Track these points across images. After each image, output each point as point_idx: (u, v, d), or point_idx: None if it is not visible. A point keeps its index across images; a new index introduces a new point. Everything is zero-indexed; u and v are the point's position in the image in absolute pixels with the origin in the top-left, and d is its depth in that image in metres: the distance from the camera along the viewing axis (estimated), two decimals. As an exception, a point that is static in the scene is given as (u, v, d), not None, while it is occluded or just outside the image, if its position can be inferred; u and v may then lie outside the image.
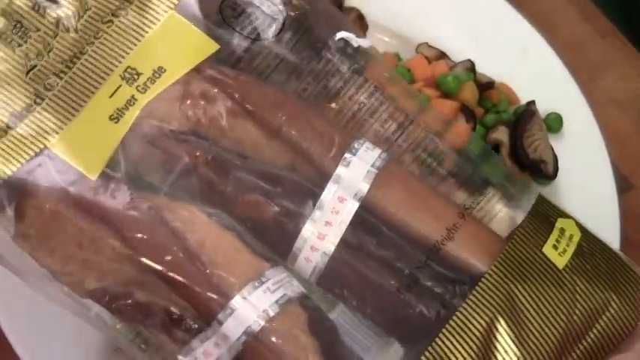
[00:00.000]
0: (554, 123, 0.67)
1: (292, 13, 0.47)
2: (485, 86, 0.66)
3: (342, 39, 0.47)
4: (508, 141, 0.64)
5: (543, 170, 0.64)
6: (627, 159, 0.69)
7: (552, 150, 0.65)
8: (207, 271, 0.42)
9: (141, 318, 0.43)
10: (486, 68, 0.67)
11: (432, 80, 0.65)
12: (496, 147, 0.64)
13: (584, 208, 0.63)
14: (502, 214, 0.47)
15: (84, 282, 0.43)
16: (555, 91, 0.68)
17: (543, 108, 0.66)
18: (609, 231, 0.61)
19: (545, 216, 0.45)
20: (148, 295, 0.42)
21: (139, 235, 0.42)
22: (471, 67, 0.66)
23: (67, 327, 0.53)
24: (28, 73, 0.43)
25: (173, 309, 0.42)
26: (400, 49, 0.68)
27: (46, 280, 0.43)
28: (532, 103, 0.66)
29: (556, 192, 0.65)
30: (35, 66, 0.43)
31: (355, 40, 0.47)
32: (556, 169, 0.64)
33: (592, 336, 0.42)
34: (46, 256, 0.43)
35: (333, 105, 0.47)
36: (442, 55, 0.68)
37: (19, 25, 0.43)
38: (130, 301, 0.43)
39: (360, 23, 0.67)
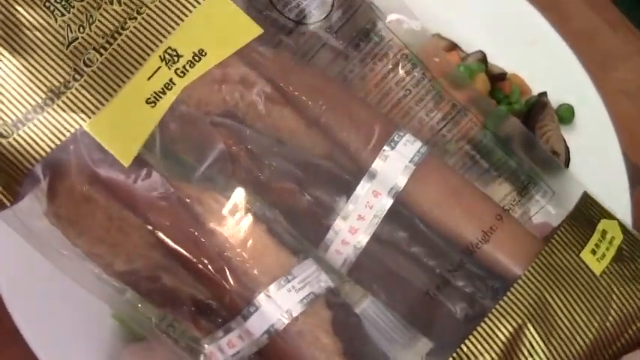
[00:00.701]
0: (566, 114, 0.66)
1: None
2: (497, 77, 0.66)
3: (392, 21, 0.46)
4: (520, 132, 0.63)
5: (555, 161, 0.64)
6: (638, 151, 0.68)
7: (564, 141, 0.65)
8: (234, 266, 0.41)
9: (168, 303, 0.42)
10: (498, 59, 0.67)
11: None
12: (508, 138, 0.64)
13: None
14: (544, 211, 0.46)
15: (113, 264, 0.42)
16: (567, 83, 0.67)
17: (555, 99, 0.66)
18: (621, 222, 0.61)
19: (588, 217, 0.45)
20: (175, 281, 0.42)
21: (167, 224, 0.41)
22: (482, 58, 0.66)
23: (80, 320, 0.53)
24: (69, 45, 0.41)
25: (200, 297, 0.42)
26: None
27: (78, 260, 0.43)
28: (544, 94, 0.66)
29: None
30: (77, 38, 0.41)
31: (407, 23, 0.46)
32: (568, 160, 0.64)
33: (623, 341, 0.41)
34: (76, 237, 0.42)
35: (379, 89, 0.46)
36: (454, 46, 0.67)
37: None
38: (158, 285, 0.42)
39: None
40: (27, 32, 0.41)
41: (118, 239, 0.42)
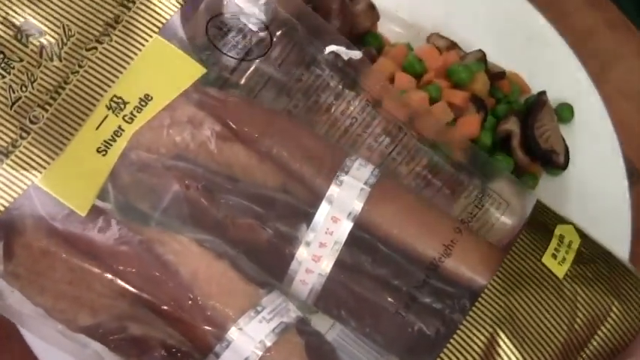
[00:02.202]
0: (565, 113, 0.66)
1: (280, 30, 0.45)
2: (497, 76, 0.66)
3: (332, 52, 0.46)
4: (519, 131, 0.63)
5: (554, 160, 0.63)
6: (638, 150, 0.68)
7: (563, 140, 0.64)
8: (201, 303, 0.41)
9: (137, 352, 0.42)
10: (497, 58, 0.67)
11: (443, 70, 0.64)
12: (507, 137, 0.64)
13: (594, 198, 0.63)
14: (500, 222, 0.46)
15: (77, 318, 0.42)
16: (566, 82, 0.67)
17: (554, 98, 0.65)
18: (620, 222, 0.61)
19: (544, 224, 0.45)
20: (142, 328, 0.42)
21: (130, 270, 0.41)
22: (482, 57, 0.66)
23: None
24: (12, 106, 0.41)
25: (169, 342, 0.41)
26: (411, 39, 0.67)
27: (41, 319, 0.42)
28: (543, 93, 0.65)
29: (567, 182, 0.64)
30: (20, 98, 0.41)
31: (345, 53, 0.46)
32: (567, 159, 0.64)
33: (595, 343, 0.41)
34: (36, 295, 0.42)
35: (325, 120, 0.46)
36: (453, 45, 0.67)
37: (1, 56, 0.42)
38: (125, 335, 0.42)
39: (371, 13, 0.66)
40: None
41: (81, 290, 0.41)
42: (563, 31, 0.69)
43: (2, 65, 0.42)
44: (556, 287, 0.42)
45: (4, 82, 0.42)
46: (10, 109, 0.41)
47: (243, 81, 0.45)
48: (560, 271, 0.42)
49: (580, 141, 0.65)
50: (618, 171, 0.63)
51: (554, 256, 0.43)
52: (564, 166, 0.64)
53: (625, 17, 0.74)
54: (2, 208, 0.40)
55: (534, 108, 0.64)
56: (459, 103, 0.63)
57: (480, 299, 0.41)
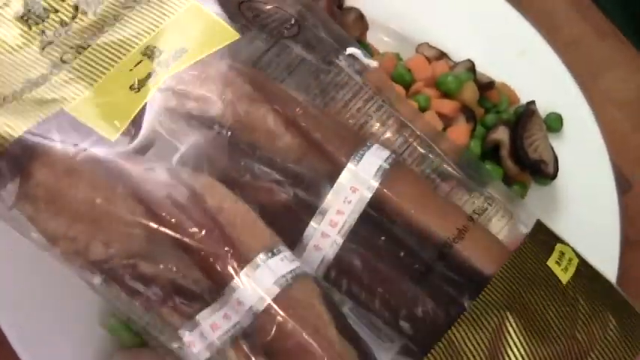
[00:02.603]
0: (554, 123, 0.66)
1: (306, 22, 0.47)
2: (486, 86, 0.66)
3: (351, 55, 0.47)
4: (508, 141, 0.63)
5: (543, 170, 0.63)
6: (627, 159, 0.68)
7: (552, 150, 0.64)
8: (226, 232, 0.40)
9: (142, 289, 0.41)
10: (486, 68, 0.66)
11: (432, 80, 0.64)
12: (496, 147, 0.64)
13: (584, 208, 0.63)
14: (501, 234, 0.46)
15: (88, 249, 0.41)
16: (555, 91, 0.67)
17: (543, 108, 0.65)
18: (609, 231, 0.61)
19: (544, 240, 0.45)
20: (153, 267, 0.41)
21: (157, 195, 0.40)
22: (471, 67, 0.66)
23: (67, 328, 0.53)
24: (44, 48, 0.42)
25: (179, 282, 0.41)
26: (400, 49, 0.67)
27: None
28: (532, 103, 0.65)
29: (556, 192, 0.64)
30: (52, 42, 0.42)
31: (364, 59, 0.47)
32: (556, 169, 0.64)
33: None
34: (51, 218, 0.41)
35: (341, 117, 0.46)
36: (442, 55, 0.67)
37: (37, 6, 0.42)
38: (133, 272, 0.41)
39: (361, 23, 0.66)
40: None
41: (102, 213, 0.40)
42: (552, 40, 0.69)
43: (37, 13, 0.42)
44: (560, 290, 0.42)
45: (38, 28, 0.42)
46: (42, 50, 0.42)
47: (267, 70, 0.46)
48: (563, 277, 0.43)
49: (569, 150, 0.65)
50: (607, 180, 0.64)
51: (558, 264, 0.43)
52: (553, 175, 0.64)
53: (614, 27, 0.75)
54: (25, 129, 0.40)
55: (523, 118, 0.64)
56: (448, 113, 0.62)
57: (491, 282, 0.41)
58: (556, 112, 0.66)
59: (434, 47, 0.67)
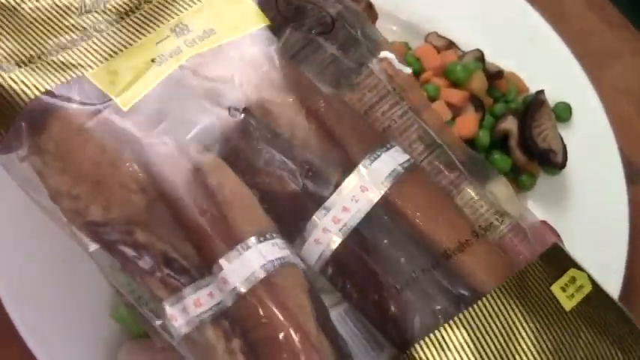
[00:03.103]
0: (563, 112, 0.66)
1: (342, 22, 0.47)
2: (495, 76, 0.65)
3: (385, 59, 0.47)
4: (517, 131, 0.63)
5: (552, 160, 0.63)
6: (636, 149, 0.68)
7: (561, 139, 0.64)
8: (223, 211, 0.41)
9: (134, 256, 0.41)
10: (495, 57, 0.66)
11: (441, 70, 0.64)
12: (505, 137, 0.64)
13: (593, 197, 0.63)
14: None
15: (87, 211, 0.41)
16: (564, 81, 0.67)
17: (552, 97, 0.65)
18: (618, 220, 0.61)
19: (558, 262, 0.44)
20: (148, 236, 0.41)
21: (162, 165, 0.41)
22: (480, 56, 0.66)
23: (77, 319, 0.53)
24: (80, 15, 0.43)
25: (172, 254, 0.41)
26: (409, 39, 0.67)
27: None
28: (541, 92, 0.65)
29: (565, 181, 0.64)
30: (90, 11, 0.43)
31: (397, 64, 0.47)
32: (565, 158, 0.64)
33: None
34: (56, 174, 0.41)
35: (367, 117, 0.46)
36: (451, 45, 0.67)
37: None
38: (128, 239, 0.41)
39: (370, 12, 0.66)
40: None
41: (106, 175, 0.41)
42: (561, 30, 0.69)
43: None
44: (561, 317, 0.41)
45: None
46: (79, 17, 0.43)
47: (301, 65, 0.46)
48: (567, 304, 0.42)
49: (578, 140, 0.65)
50: (616, 170, 0.63)
51: (563, 290, 0.42)
52: (562, 165, 0.63)
53: (623, 16, 0.74)
54: (48, 87, 0.41)
55: (532, 107, 0.64)
56: (456, 103, 0.62)
57: (479, 302, 0.40)
58: (565, 101, 0.66)
59: (443, 37, 0.67)
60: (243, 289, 0.40)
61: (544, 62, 0.68)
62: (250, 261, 0.40)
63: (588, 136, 0.65)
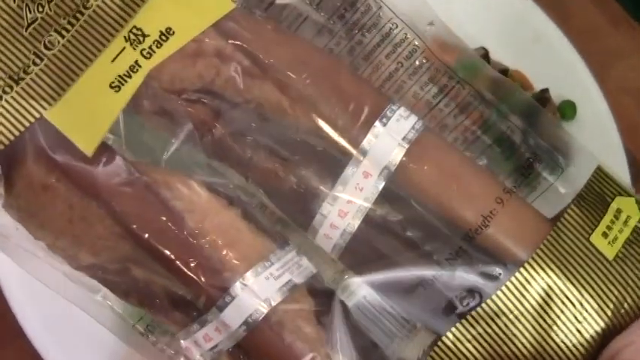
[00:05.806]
0: (567, 110, 0.65)
1: None
2: (499, 73, 0.66)
3: None
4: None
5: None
6: (640, 148, 0.68)
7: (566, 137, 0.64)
8: (206, 254, 0.39)
9: (138, 297, 0.40)
10: (500, 55, 0.66)
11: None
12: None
13: (597, 196, 0.62)
14: (553, 189, 0.43)
15: (78, 257, 0.40)
16: (569, 79, 0.66)
17: (557, 95, 0.65)
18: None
19: (600, 195, 0.41)
20: (146, 273, 0.39)
21: (134, 213, 0.39)
22: (484, 54, 0.66)
23: (83, 317, 0.53)
24: (27, 27, 0.39)
25: (173, 289, 0.39)
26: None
27: (47, 260, 0.41)
28: (546, 90, 0.64)
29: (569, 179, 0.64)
30: (36, 19, 0.39)
31: None
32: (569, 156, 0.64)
33: None
34: (37, 229, 0.40)
35: (368, 63, 0.42)
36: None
37: None
38: (127, 278, 0.39)
39: (373, 10, 0.66)
40: None
41: (81, 230, 0.39)
42: (566, 28, 0.68)
43: None
44: (604, 270, 0.39)
45: (21, 1, 0.39)
46: (26, 30, 0.39)
47: (283, 12, 0.42)
48: (610, 252, 0.39)
49: (582, 138, 0.65)
50: (621, 168, 0.63)
51: (605, 235, 0.40)
52: (566, 163, 0.63)
53: (627, 15, 0.74)
54: (7, 141, 0.38)
55: (537, 105, 0.63)
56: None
57: (514, 276, 0.38)
58: (570, 99, 0.66)
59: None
60: (243, 333, 0.39)
61: (549, 60, 0.67)
62: (245, 303, 0.39)
63: (593, 134, 0.65)
